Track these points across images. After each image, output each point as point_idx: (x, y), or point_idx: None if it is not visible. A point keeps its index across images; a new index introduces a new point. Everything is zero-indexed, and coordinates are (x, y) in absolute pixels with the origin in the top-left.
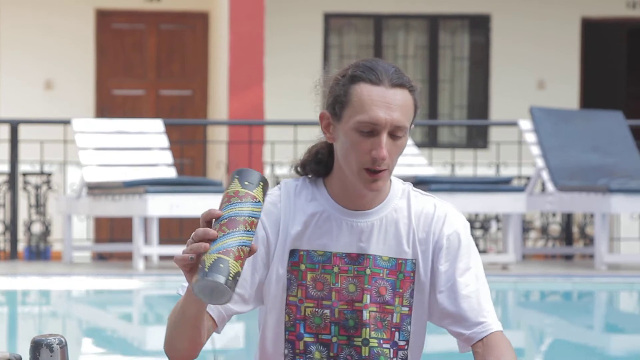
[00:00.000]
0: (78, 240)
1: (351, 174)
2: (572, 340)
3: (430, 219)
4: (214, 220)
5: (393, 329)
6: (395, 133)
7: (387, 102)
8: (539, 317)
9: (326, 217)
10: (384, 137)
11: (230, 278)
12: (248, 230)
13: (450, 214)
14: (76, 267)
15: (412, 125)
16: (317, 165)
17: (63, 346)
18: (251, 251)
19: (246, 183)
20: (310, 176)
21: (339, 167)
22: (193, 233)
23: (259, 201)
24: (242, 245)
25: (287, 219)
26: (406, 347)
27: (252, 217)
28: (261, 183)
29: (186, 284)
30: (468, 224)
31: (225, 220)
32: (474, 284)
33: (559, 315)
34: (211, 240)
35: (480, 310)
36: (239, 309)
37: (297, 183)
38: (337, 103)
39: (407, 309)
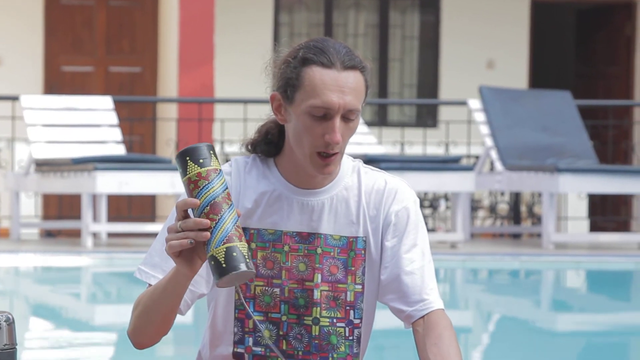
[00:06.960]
0: (26, 217)
1: (303, 157)
2: (519, 317)
3: (381, 195)
4: (190, 209)
5: (347, 308)
6: (348, 116)
7: (340, 86)
8: (487, 295)
9: (277, 196)
10: (337, 121)
11: (247, 260)
12: (230, 205)
13: (400, 190)
14: (24, 244)
15: (363, 103)
16: (267, 145)
17: (10, 323)
18: (239, 218)
19: (201, 161)
20: (260, 155)
21: (290, 148)
22: (180, 222)
23: (220, 170)
24: (235, 223)
25: (238, 196)
26: (360, 325)
27: (225, 190)
28: (211, 152)
29: (147, 269)
30: (418, 200)
31: (207, 207)
32: (419, 261)
33: (507, 293)
34: (206, 229)
35: (423, 287)
36: (203, 290)
37: (247, 160)
38: (288, 86)
39: (360, 286)
